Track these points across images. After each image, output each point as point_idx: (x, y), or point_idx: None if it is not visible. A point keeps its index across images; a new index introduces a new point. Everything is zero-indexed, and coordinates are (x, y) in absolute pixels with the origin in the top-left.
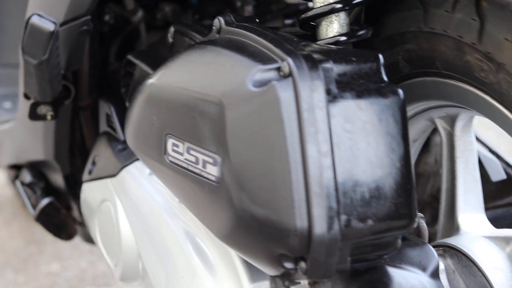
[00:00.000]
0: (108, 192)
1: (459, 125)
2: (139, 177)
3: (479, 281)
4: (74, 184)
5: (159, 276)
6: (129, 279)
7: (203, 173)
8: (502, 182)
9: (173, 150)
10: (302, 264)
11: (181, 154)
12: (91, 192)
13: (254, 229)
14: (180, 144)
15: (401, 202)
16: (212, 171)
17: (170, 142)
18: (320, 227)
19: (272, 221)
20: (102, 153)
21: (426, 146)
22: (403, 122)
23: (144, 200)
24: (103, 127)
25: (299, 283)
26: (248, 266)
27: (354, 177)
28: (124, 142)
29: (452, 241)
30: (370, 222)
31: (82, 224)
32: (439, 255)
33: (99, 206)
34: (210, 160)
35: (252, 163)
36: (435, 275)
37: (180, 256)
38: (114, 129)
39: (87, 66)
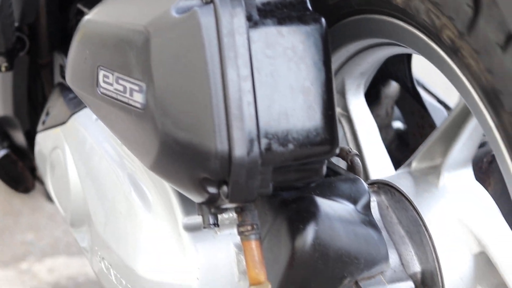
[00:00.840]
0: (58, 140)
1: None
2: (86, 122)
3: (410, 215)
4: (34, 141)
5: (100, 214)
6: (78, 224)
7: (130, 101)
8: None
9: (104, 81)
10: (224, 188)
11: (111, 84)
12: (44, 141)
13: (177, 154)
14: (110, 75)
15: (322, 128)
16: (138, 98)
17: (102, 74)
18: (239, 150)
19: (194, 145)
20: (54, 103)
21: (377, 99)
22: (325, 50)
23: (89, 144)
24: (57, 78)
25: (225, 210)
26: (182, 200)
27: (275, 102)
28: None
29: (387, 178)
30: (290, 146)
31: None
32: (374, 191)
33: (50, 155)
34: (136, 87)
35: (174, 88)
36: (365, 208)
37: (119, 194)
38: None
39: (45, 21)
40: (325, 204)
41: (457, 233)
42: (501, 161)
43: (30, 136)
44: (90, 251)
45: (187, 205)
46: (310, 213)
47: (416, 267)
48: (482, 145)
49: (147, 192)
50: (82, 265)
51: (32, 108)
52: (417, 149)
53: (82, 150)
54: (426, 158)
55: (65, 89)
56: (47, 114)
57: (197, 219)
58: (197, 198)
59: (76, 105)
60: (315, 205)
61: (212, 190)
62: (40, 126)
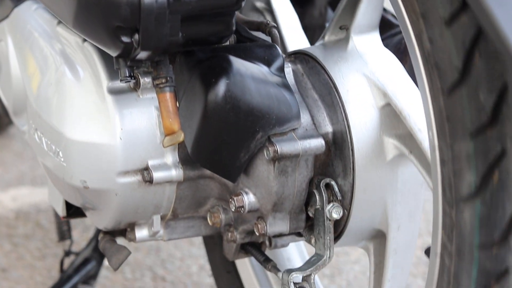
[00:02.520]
0: (2, 33)
1: None
2: (26, 13)
3: (323, 78)
4: None
5: (34, 90)
6: (20, 111)
7: None
8: None
9: None
10: (136, 36)
11: None
12: None
13: (92, 5)
14: None
15: None
16: None
17: None
18: None
19: None
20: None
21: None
22: None
23: (28, 30)
24: None
25: (140, 63)
26: (107, 66)
27: None
28: None
29: (302, 49)
30: None
31: None
32: (290, 61)
33: None
34: None
35: None
36: (279, 70)
37: (51, 67)
38: None
39: None
40: (238, 63)
41: (364, 89)
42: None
43: None
44: (27, 131)
45: (112, 72)
46: (222, 69)
47: (327, 127)
48: (400, 32)
49: (77, 64)
50: (45, 195)
51: None
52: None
53: (22, 38)
54: (336, 28)
55: None
56: None
57: (120, 84)
58: (113, 50)
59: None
60: (228, 62)
61: (125, 39)
62: None
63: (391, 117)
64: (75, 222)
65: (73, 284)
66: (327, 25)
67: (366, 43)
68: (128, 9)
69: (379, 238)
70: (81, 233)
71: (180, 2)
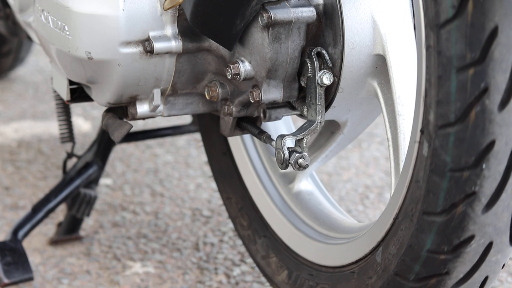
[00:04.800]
0: None
1: None
2: None
3: None
4: None
5: None
6: (25, 7)
7: None
8: None
9: None
10: None
11: None
12: None
13: None
14: None
15: None
16: None
17: None
18: None
19: None
20: None
21: None
22: None
23: None
24: None
25: None
26: None
27: None
28: None
29: None
30: None
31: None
32: None
33: None
34: None
35: None
36: None
37: None
38: None
39: None
40: None
41: None
42: None
43: None
44: (34, 18)
45: None
46: None
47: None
48: None
49: None
50: (47, 127)
51: None
52: None
53: None
54: None
55: None
56: None
57: None
58: None
59: None
60: None
61: None
62: None
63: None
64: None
65: (75, 186)
66: None
67: None
68: None
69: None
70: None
71: None
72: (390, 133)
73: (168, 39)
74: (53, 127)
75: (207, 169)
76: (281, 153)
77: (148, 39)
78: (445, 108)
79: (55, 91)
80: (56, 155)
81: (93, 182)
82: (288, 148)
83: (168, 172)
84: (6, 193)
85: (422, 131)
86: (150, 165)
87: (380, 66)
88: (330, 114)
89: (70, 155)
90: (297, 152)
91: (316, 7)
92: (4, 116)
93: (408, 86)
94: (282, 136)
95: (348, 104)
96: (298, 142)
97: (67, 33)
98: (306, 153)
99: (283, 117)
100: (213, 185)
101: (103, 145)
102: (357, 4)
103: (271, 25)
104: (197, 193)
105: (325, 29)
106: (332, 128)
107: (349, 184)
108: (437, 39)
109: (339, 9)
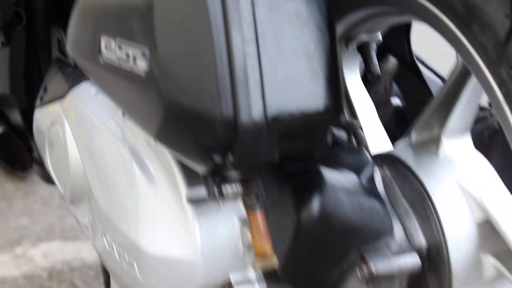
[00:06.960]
0: (57, 115)
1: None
2: (85, 96)
3: (414, 186)
4: (31, 119)
5: (101, 189)
6: (78, 200)
7: (133, 69)
8: None
9: (106, 49)
10: (230, 156)
11: (114, 52)
12: (42, 118)
13: (182, 121)
14: (112, 40)
15: (327, 94)
16: (141, 65)
17: (104, 41)
18: (245, 115)
19: (199, 111)
20: (52, 78)
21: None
22: (329, 15)
23: (89, 118)
24: (55, 53)
25: (230, 180)
26: (186, 172)
27: (279, 67)
28: (75, 66)
29: (388, 151)
30: (295, 112)
31: (41, 164)
32: (377, 165)
33: (48, 131)
34: (139, 54)
35: (178, 53)
36: (370, 179)
37: (120, 168)
38: (64, 54)
39: None
40: (330, 175)
41: (460, 202)
42: (501, 115)
43: (27, 115)
44: (91, 227)
45: (191, 178)
46: (315, 184)
47: (421, 239)
48: (483, 119)
49: (150, 165)
50: (77, 250)
51: (28, 86)
52: (415, 120)
53: (82, 124)
54: (425, 129)
55: (63, 64)
56: (45, 90)
57: (200, 191)
58: (202, 167)
59: (75, 79)
60: (320, 176)
61: (217, 157)
62: (38, 102)
63: (490, 233)
64: None
65: None
66: (391, 99)
67: (458, 147)
68: (224, 128)
69: None
70: None
71: (277, 119)
72: None
73: (251, 283)
74: (83, 249)
75: None
76: None
77: (230, 285)
78: None
79: None
80: None
81: None
82: None
83: None
84: None
85: None
86: None
87: None
88: None
89: None
90: None
91: (418, 249)
92: (31, 234)
93: None
94: None
95: None
96: None
97: (137, 272)
98: None
99: None
100: None
101: None
102: (466, 249)
103: (372, 279)
104: None
105: (428, 274)
106: None
107: None
108: None
109: (446, 255)
